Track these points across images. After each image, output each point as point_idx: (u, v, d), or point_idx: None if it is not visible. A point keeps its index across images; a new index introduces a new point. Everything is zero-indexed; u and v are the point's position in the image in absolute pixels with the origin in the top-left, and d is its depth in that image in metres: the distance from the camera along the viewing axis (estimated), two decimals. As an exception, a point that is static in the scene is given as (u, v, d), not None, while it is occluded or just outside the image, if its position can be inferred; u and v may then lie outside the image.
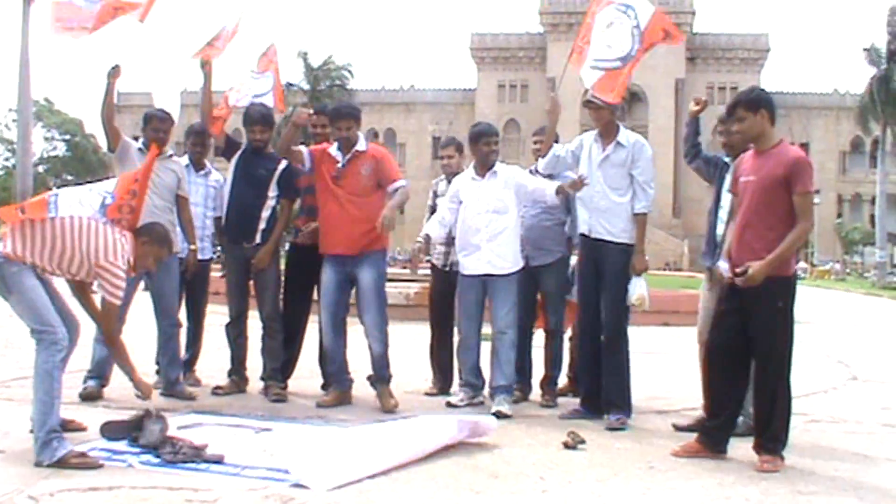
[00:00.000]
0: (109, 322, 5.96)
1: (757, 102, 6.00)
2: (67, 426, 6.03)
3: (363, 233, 7.42)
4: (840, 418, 7.87)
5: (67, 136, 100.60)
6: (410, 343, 10.01)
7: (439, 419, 6.29)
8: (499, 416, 7.11)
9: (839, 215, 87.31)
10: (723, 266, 6.09)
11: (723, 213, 6.82)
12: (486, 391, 7.68)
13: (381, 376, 7.60)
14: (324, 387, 8.18)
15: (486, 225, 7.57)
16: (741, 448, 6.10)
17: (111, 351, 6.35)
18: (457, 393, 7.81)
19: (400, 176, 7.73)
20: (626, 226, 7.22)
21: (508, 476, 5.39)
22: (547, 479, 5.34)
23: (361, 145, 7.57)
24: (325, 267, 7.61)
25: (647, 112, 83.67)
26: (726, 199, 6.78)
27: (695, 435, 6.21)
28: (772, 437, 5.90)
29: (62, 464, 5.22)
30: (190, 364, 8.46)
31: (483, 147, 7.74)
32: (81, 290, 6.16)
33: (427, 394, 8.25)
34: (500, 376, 7.52)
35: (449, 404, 7.61)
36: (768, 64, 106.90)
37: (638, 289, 7.10)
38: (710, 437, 6.11)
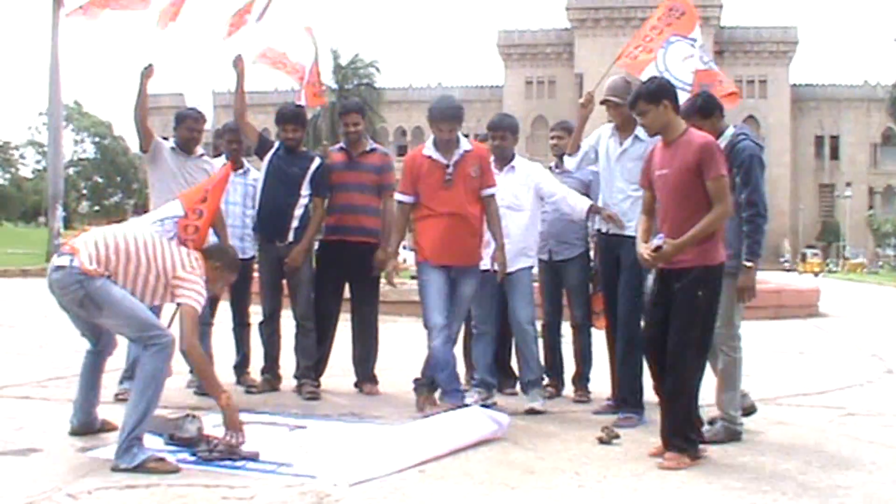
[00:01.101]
0: (194, 329, 5.55)
1: (658, 94, 5.86)
2: (104, 426, 6.09)
3: (474, 244, 7.24)
4: (877, 412, 7.81)
5: (97, 139, 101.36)
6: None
7: (472, 414, 6.26)
8: (532, 412, 7.13)
9: (870, 207, 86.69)
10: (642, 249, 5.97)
11: None
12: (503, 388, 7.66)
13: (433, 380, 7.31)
14: (357, 385, 8.21)
15: (503, 222, 7.47)
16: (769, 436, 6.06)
17: (194, 365, 6.04)
18: (470, 394, 7.56)
19: (494, 181, 7.35)
20: None
21: (544, 471, 5.37)
22: (582, 475, 5.32)
23: (467, 145, 7.24)
24: (428, 272, 7.20)
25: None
26: None
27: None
28: (678, 434, 5.71)
29: (141, 468, 5.10)
30: (243, 366, 8.42)
31: (492, 140, 7.72)
32: (191, 332, 5.82)
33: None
34: (528, 371, 7.50)
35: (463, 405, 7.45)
36: (797, 56, 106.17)
37: None
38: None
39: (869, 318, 20.41)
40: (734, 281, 6.27)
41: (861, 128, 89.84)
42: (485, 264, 7.46)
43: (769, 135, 78.01)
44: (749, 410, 6.74)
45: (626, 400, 7.06)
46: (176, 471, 5.12)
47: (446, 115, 7.14)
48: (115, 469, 5.12)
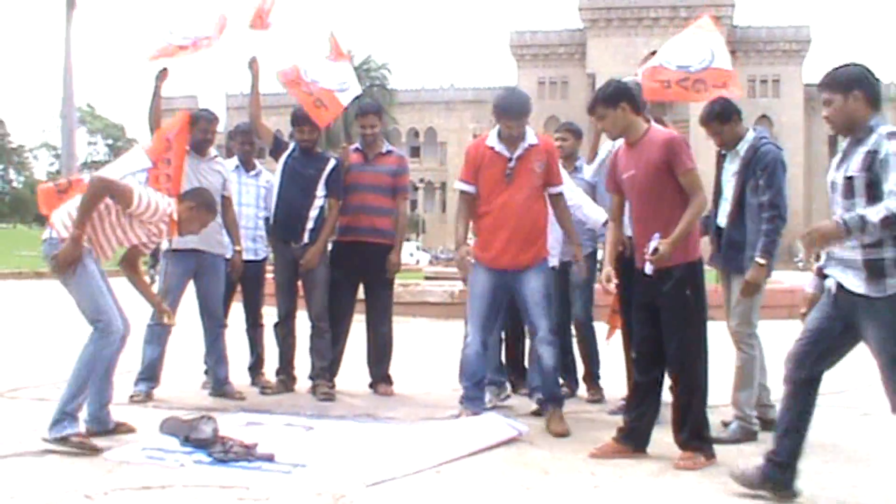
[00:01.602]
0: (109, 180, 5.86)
1: (615, 97, 5.81)
2: (118, 429, 6.15)
3: (538, 244, 6.81)
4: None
5: (110, 141, 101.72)
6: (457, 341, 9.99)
7: (490, 420, 6.23)
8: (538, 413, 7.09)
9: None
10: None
11: (725, 206, 6.60)
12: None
13: (552, 395, 6.84)
14: (371, 385, 8.21)
15: None
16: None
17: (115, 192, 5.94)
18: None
19: (562, 179, 6.97)
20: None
21: (559, 472, 5.36)
22: (598, 475, 5.31)
23: (533, 139, 6.79)
24: (477, 275, 6.82)
25: (688, 106, 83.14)
26: (728, 189, 6.61)
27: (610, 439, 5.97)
28: (693, 433, 5.69)
29: (65, 441, 5.53)
30: (257, 367, 8.45)
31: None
32: (132, 267, 6.30)
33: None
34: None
35: None
36: (810, 55, 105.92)
37: None
38: (630, 434, 5.87)
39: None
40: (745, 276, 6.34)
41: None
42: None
43: (782, 134, 77.79)
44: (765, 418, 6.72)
45: None
46: (97, 450, 5.51)
47: (513, 112, 6.68)
48: (43, 439, 5.58)
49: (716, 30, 7.83)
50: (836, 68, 5.04)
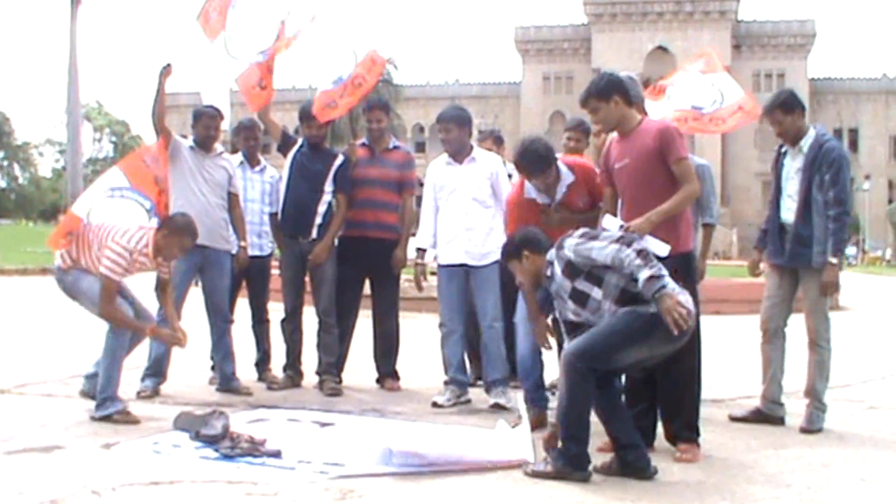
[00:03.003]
0: (108, 293, 6.36)
1: (607, 90, 5.79)
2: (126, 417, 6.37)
3: None
4: (899, 405, 7.79)
5: (114, 137, 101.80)
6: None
7: (514, 437, 5.99)
8: (497, 407, 7.10)
9: (890, 201, 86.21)
10: None
11: (789, 203, 6.65)
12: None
13: None
14: (378, 381, 8.22)
15: (465, 213, 7.46)
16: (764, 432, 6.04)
17: (114, 324, 6.52)
18: (443, 392, 7.47)
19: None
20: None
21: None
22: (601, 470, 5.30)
23: (569, 177, 6.46)
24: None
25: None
26: (791, 186, 6.66)
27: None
28: (685, 425, 5.72)
29: (108, 419, 6.29)
30: (264, 363, 8.48)
31: (441, 133, 7.63)
32: (162, 289, 6.89)
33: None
34: (493, 370, 7.40)
35: (435, 404, 7.28)
36: (815, 50, 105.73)
37: None
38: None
39: (889, 312, 20.31)
40: (821, 277, 6.49)
41: (880, 120, 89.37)
42: (458, 258, 7.48)
43: (788, 128, 77.43)
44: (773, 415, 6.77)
45: None
46: (137, 422, 6.26)
47: (536, 170, 6.34)
48: (92, 417, 6.33)
49: (719, 66, 8.00)
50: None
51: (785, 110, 6.64)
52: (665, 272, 4.95)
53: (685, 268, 5.69)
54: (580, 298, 5.20)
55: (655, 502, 4.71)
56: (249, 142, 8.53)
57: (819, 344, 6.66)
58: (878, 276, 44.37)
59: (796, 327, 6.80)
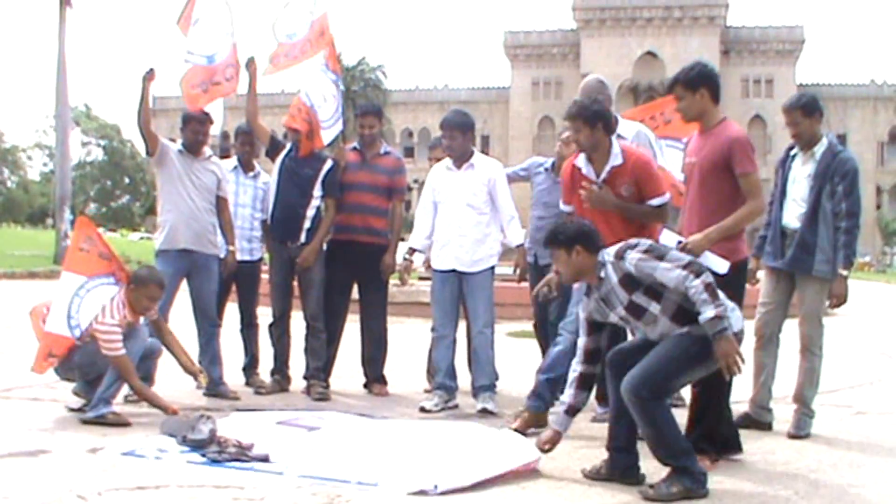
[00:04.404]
0: (127, 372, 6.57)
1: (696, 81, 5.80)
2: (107, 418, 6.50)
3: None
4: (886, 410, 7.81)
5: (105, 142, 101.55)
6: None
7: (519, 440, 5.94)
8: (485, 413, 7.11)
9: (878, 207, 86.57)
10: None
11: (794, 206, 6.62)
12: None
13: None
14: (366, 385, 8.21)
15: (459, 219, 7.48)
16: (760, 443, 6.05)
17: (139, 392, 6.78)
18: (430, 397, 7.47)
19: (663, 188, 6.27)
20: None
21: (554, 471, 5.35)
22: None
23: (618, 158, 6.16)
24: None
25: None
26: (796, 189, 6.63)
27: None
28: (703, 434, 5.67)
29: (101, 418, 6.42)
30: (252, 367, 8.46)
31: (445, 139, 7.64)
32: (160, 334, 7.07)
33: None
34: (481, 376, 7.43)
35: (423, 409, 7.27)
36: (803, 56, 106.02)
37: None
38: None
39: (877, 317, 20.35)
40: (826, 287, 6.51)
41: (868, 126, 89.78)
42: (449, 264, 7.49)
43: (776, 135, 77.71)
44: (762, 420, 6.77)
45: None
46: (127, 424, 6.41)
47: (581, 111, 6.19)
48: (82, 420, 6.48)
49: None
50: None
51: (805, 112, 6.59)
52: (728, 311, 4.81)
53: (738, 276, 5.70)
54: (636, 311, 5.08)
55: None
56: (245, 147, 8.52)
57: (811, 350, 6.67)
58: (866, 281, 44.43)
59: (787, 332, 6.81)
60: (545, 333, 7.89)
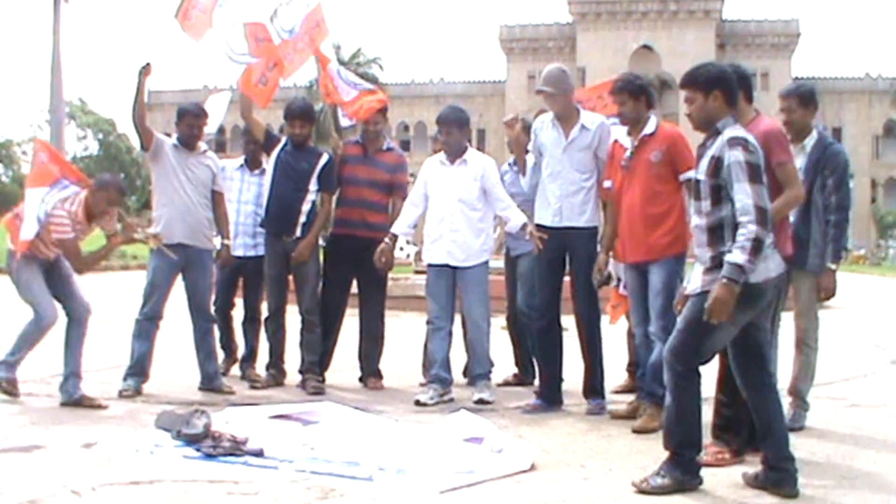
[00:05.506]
0: (74, 253, 7.03)
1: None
2: (84, 401, 6.94)
3: (650, 239, 6.52)
4: (880, 403, 7.82)
5: (100, 136, 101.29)
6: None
7: (512, 440, 5.89)
8: (481, 403, 7.18)
9: (873, 200, 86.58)
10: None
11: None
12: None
13: (650, 392, 6.55)
14: (361, 379, 8.21)
15: (450, 214, 7.52)
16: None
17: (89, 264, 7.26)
18: (426, 391, 7.50)
19: (692, 163, 5.97)
20: (594, 211, 7.16)
21: (548, 465, 5.37)
22: (588, 467, 5.32)
23: (651, 128, 6.62)
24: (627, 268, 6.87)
25: (678, 99, 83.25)
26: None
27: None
28: (726, 425, 5.63)
29: (77, 403, 6.87)
30: (249, 361, 8.49)
31: (442, 135, 7.73)
32: (111, 236, 7.42)
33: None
34: (478, 365, 7.57)
35: (418, 402, 7.28)
36: (799, 49, 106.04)
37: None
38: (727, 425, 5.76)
39: (872, 310, 20.37)
40: (816, 279, 6.48)
41: (863, 120, 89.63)
42: (441, 258, 7.54)
43: (771, 127, 77.62)
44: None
45: (595, 389, 7.19)
46: (17, 396, 7.01)
47: (626, 83, 6.70)
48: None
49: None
50: (698, 67, 5.21)
51: (801, 101, 6.54)
52: (748, 272, 4.69)
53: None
54: (698, 190, 4.99)
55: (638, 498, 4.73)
56: (250, 145, 8.54)
57: (807, 344, 6.68)
58: (861, 274, 44.48)
59: (782, 325, 6.81)
60: (519, 328, 8.22)
